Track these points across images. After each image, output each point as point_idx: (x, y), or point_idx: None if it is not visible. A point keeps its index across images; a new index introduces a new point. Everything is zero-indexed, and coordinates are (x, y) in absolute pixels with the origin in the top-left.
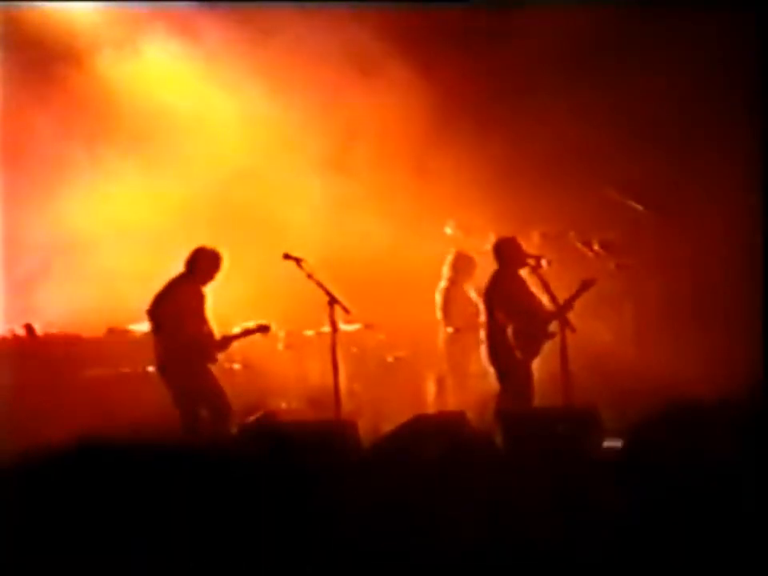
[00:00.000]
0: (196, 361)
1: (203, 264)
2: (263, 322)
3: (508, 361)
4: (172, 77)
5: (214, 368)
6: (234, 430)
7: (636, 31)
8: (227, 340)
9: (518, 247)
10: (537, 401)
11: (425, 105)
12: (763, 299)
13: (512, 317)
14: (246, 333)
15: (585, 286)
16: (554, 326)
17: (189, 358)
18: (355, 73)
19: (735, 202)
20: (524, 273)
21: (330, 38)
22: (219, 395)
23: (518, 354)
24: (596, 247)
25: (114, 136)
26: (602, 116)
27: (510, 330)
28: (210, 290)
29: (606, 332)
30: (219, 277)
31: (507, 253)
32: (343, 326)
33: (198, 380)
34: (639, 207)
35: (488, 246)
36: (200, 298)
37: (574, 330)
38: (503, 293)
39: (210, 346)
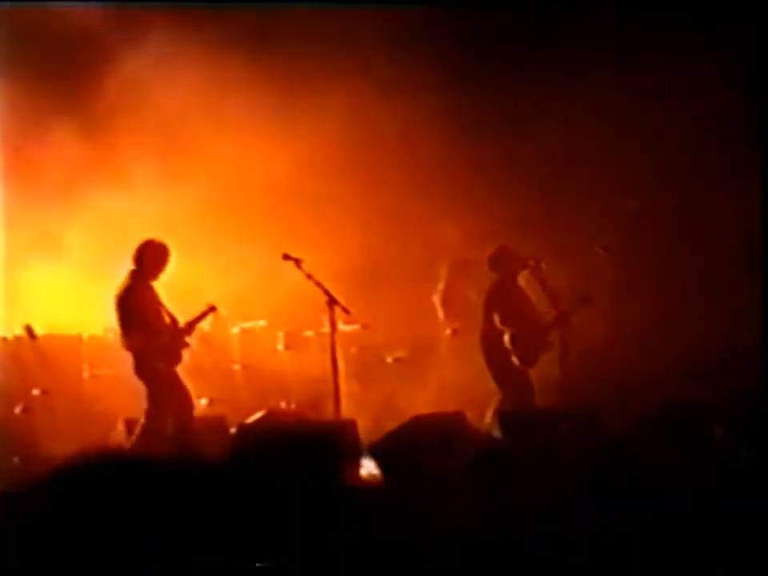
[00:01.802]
0: (171, 354)
1: (150, 258)
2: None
3: (505, 368)
4: (186, 80)
5: (214, 367)
6: (234, 430)
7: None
8: (190, 325)
9: (510, 254)
10: (537, 401)
11: (426, 109)
12: (763, 300)
13: (509, 324)
14: (202, 315)
15: (582, 302)
16: (552, 335)
17: (163, 353)
18: (360, 76)
19: (736, 200)
20: (525, 274)
21: (341, 41)
22: (185, 393)
23: (516, 361)
24: (597, 249)
25: (124, 137)
26: (602, 123)
27: (507, 337)
28: (216, 291)
29: (606, 333)
30: (169, 269)
31: (501, 261)
32: (342, 327)
33: (172, 377)
34: (637, 205)
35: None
36: (154, 291)
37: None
38: (501, 300)
39: (179, 334)
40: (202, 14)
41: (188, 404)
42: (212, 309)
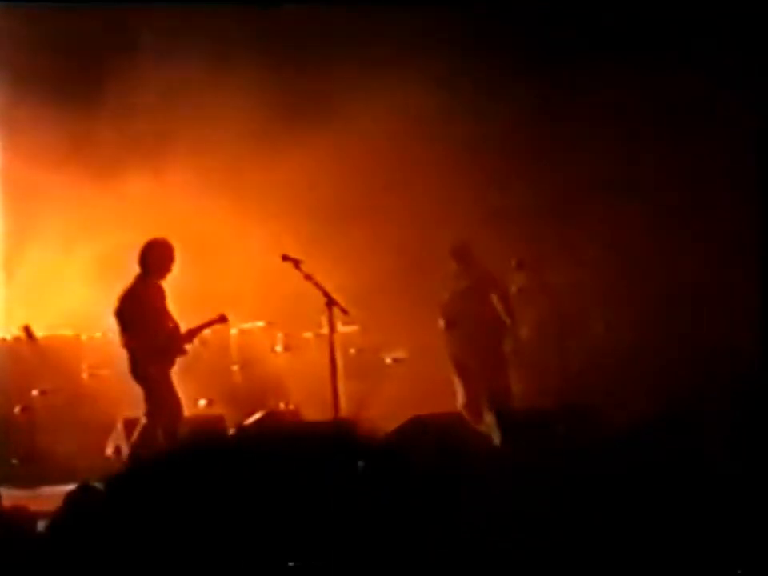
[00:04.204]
0: (166, 358)
1: (155, 258)
2: (222, 314)
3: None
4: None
5: (212, 368)
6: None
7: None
8: (192, 333)
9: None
10: (535, 401)
11: (427, 110)
12: (763, 296)
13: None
14: (208, 324)
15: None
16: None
17: (158, 356)
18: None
19: (736, 200)
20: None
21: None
22: (176, 397)
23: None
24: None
25: (140, 141)
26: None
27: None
28: (215, 291)
29: (606, 332)
30: (175, 268)
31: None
32: (341, 327)
33: (165, 380)
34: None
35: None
36: (160, 294)
37: None
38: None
39: (177, 340)
40: (237, 19)
41: (176, 410)
42: (222, 319)
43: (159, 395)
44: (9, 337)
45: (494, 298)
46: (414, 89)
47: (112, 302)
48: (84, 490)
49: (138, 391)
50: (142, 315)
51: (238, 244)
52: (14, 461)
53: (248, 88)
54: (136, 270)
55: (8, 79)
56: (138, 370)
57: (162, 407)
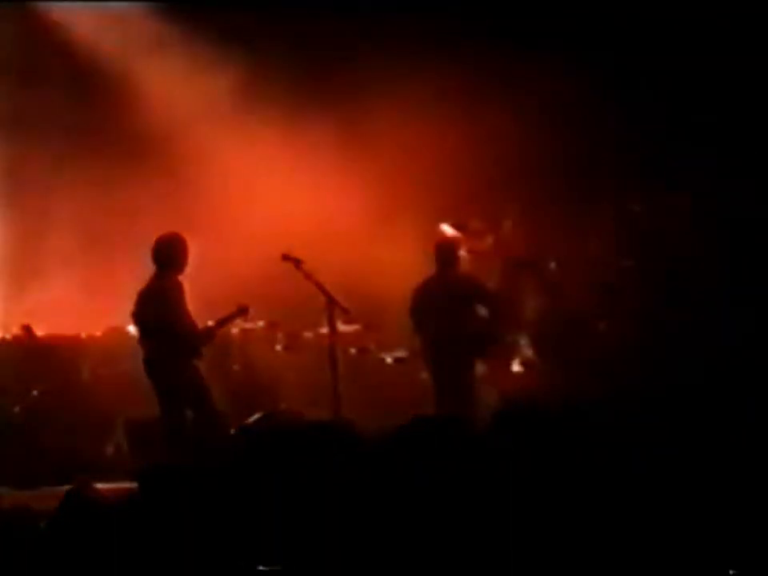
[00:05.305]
0: (182, 357)
1: (173, 252)
2: (241, 304)
3: None
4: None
5: (213, 368)
6: (232, 430)
7: None
8: (210, 331)
9: None
10: (537, 399)
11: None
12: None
13: None
14: (227, 320)
15: None
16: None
17: (174, 355)
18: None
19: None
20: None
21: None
22: (206, 395)
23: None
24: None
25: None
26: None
27: None
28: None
29: (603, 329)
30: (192, 261)
31: None
32: (341, 327)
33: (184, 378)
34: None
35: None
36: (180, 291)
37: None
38: None
39: (194, 340)
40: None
41: (206, 412)
42: (242, 311)
43: (171, 399)
44: (9, 336)
45: (478, 311)
46: (432, 91)
47: (114, 302)
48: (84, 489)
49: (137, 391)
50: (159, 316)
51: (239, 244)
52: (14, 461)
53: (262, 89)
54: (136, 269)
55: (16, 77)
56: (150, 372)
57: (178, 408)
